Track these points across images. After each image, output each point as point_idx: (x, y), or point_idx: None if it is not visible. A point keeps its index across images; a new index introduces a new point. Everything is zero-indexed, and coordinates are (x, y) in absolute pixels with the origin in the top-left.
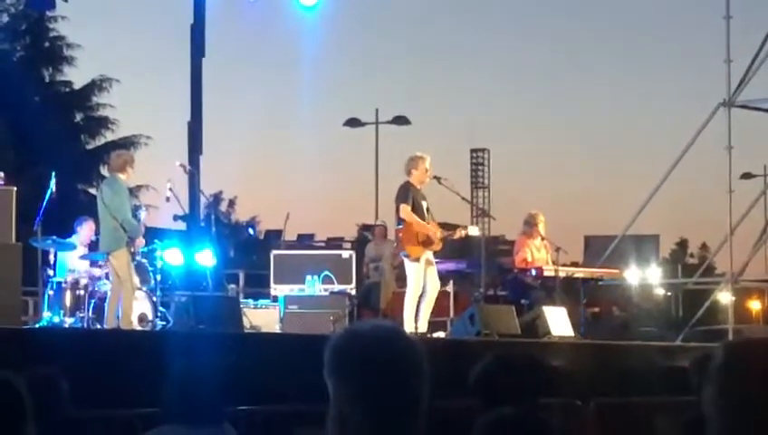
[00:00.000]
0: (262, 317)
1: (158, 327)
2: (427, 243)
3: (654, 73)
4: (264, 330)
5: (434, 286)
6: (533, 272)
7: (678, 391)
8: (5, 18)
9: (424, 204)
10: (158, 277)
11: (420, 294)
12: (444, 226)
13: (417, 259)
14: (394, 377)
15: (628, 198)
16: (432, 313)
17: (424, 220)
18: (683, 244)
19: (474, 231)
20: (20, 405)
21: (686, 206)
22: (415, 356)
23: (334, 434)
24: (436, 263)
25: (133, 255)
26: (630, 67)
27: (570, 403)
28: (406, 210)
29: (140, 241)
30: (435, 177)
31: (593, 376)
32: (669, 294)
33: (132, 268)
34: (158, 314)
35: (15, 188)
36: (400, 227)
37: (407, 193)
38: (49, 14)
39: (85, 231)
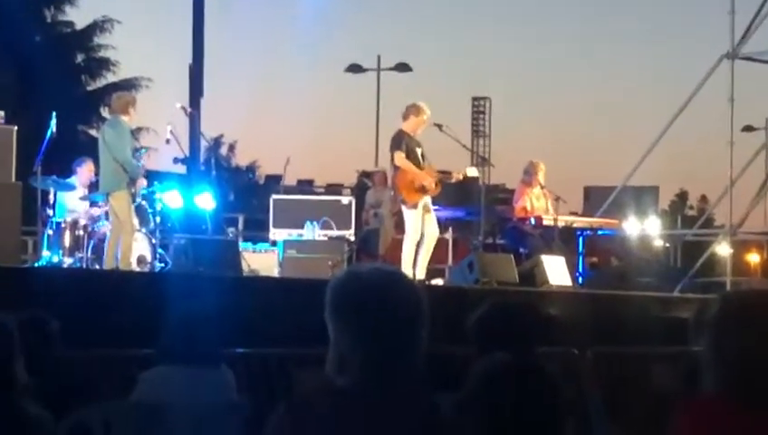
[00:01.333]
0: (260, 261)
1: (157, 269)
2: (423, 189)
3: (657, 24)
4: (263, 274)
5: (432, 233)
6: (533, 221)
7: (676, 341)
8: None
9: (418, 150)
10: (158, 219)
11: (418, 240)
12: (443, 172)
13: (415, 205)
14: (394, 318)
15: (628, 150)
16: (430, 260)
17: (419, 167)
18: (683, 195)
19: (472, 172)
20: (9, 343)
21: (687, 157)
22: (415, 298)
23: (333, 375)
24: (436, 210)
25: (133, 196)
26: (633, 18)
27: (567, 352)
28: (400, 157)
29: (141, 182)
30: (436, 124)
31: (591, 325)
32: (668, 245)
33: (132, 210)
34: (157, 256)
35: (16, 128)
36: (395, 174)
37: (400, 140)
38: None
39: (85, 172)
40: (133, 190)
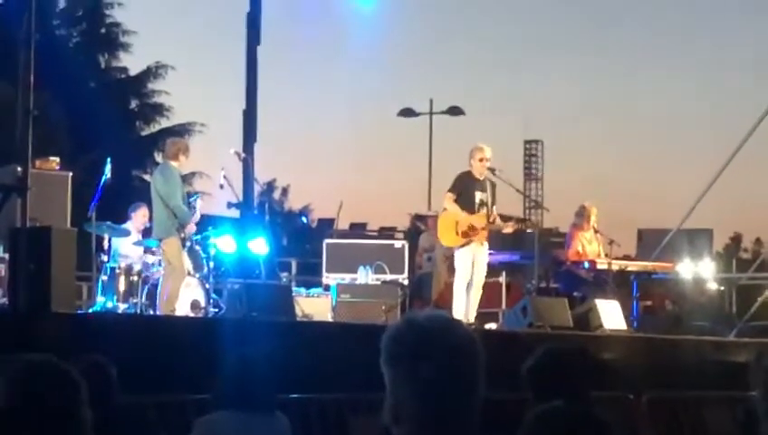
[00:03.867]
0: (314, 306)
1: (211, 314)
2: (467, 233)
3: (712, 65)
4: (317, 318)
5: (479, 277)
6: (586, 264)
7: (731, 386)
8: (62, 4)
9: (477, 194)
10: (211, 264)
11: (468, 281)
12: (505, 218)
13: (462, 247)
14: (451, 366)
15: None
16: (484, 303)
17: (472, 210)
18: (737, 238)
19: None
20: (75, 391)
21: (741, 200)
22: (473, 348)
23: (390, 422)
24: (489, 254)
25: (183, 241)
26: (687, 59)
27: (622, 397)
28: (447, 198)
29: (191, 227)
30: (489, 168)
31: (645, 370)
32: (723, 288)
33: (184, 254)
34: (211, 301)
35: (71, 174)
36: (440, 215)
37: (458, 182)
38: (105, 0)
39: (139, 217)
40: (183, 235)
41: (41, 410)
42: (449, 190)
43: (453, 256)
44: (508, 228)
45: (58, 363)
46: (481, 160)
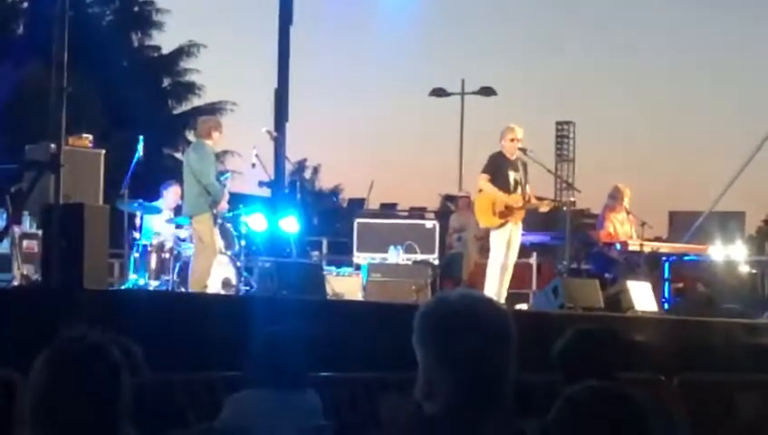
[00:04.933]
0: (344, 285)
1: (242, 292)
2: (504, 213)
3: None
4: (347, 297)
5: (512, 258)
6: (618, 246)
7: (763, 368)
8: None
9: (511, 174)
10: (243, 243)
11: (503, 263)
12: (540, 199)
13: (499, 227)
14: (484, 344)
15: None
16: (515, 284)
17: (508, 191)
18: None
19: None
20: (116, 373)
21: None
22: (504, 324)
23: (422, 399)
24: (522, 235)
25: (215, 218)
26: (722, 38)
27: (653, 378)
28: (482, 179)
29: (223, 205)
30: (520, 148)
31: (677, 352)
32: (755, 271)
33: (216, 232)
34: (242, 279)
35: (104, 151)
36: (476, 196)
37: (491, 162)
38: None
39: (171, 195)
40: (215, 212)
41: (79, 393)
42: (483, 171)
43: (484, 236)
44: (544, 207)
45: (100, 343)
46: (512, 141)
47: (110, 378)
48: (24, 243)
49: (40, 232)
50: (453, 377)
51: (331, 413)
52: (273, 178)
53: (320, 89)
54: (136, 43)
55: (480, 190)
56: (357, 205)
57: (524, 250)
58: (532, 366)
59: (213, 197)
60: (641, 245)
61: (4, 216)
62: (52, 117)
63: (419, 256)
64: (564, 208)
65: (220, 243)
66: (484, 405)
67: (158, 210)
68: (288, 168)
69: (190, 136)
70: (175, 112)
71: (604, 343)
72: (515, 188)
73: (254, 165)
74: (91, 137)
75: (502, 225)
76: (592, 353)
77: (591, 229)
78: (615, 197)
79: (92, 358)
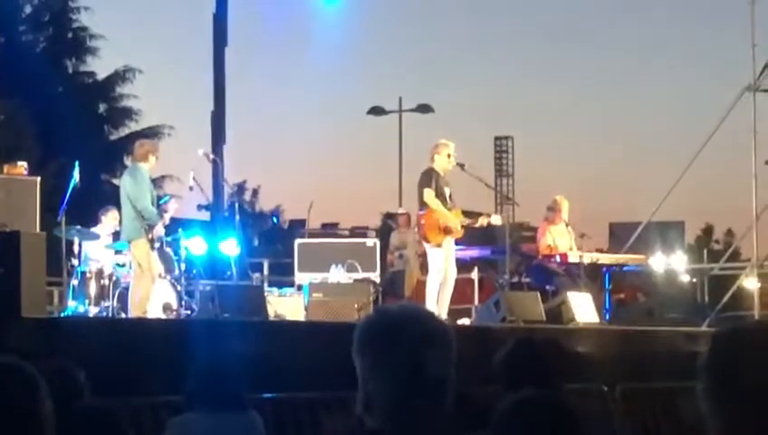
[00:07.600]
0: (286, 305)
1: (183, 316)
2: (448, 230)
3: (679, 58)
4: (289, 318)
5: (453, 273)
6: (558, 258)
7: None
8: (28, 9)
9: (447, 190)
10: (183, 266)
11: (441, 280)
12: (467, 213)
13: (439, 245)
14: (423, 355)
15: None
16: (456, 300)
17: (446, 207)
18: (708, 230)
19: (496, 220)
20: (33, 388)
21: (712, 192)
22: (444, 336)
23: (362, 411)
24: (460, 250)
25: (152, 242)
26: (656, 52)
27: (595, 389)
28: (430, 195)
29: (160, 229)
30: (458, 163)
31: (619, 362)
32: (695, 280)
33: (154, 256)
34: (183, 303)
35: (39, 178)
36: (422, 212)
37: (430, 178)
38: (71, 4)
39: (109, 220)
40: (151, 237)
41: None
42: (427, 187)
43: (425, 253)
44: (482, 222)
45: (14, 362)
46: (449, 156)
47: (24, 394)
48: None
49: None
50: (391, 389)
51: (275, 434)
52: (211, 201)
53: (257, 110)
54: (70, 70)
55: (426, 205)
56: (298, 226)
57: (465, 265)
58: (475, 380)
59: (148, 221)
60: (581, 256)
61: None
62: None
63: (361, 275)
64: (493, 221)
65: (159, 267)
66: (423, 419)
67: (95, 236)
68: (227, 190)
69: (127, 161)
70: (112, 138)
71: (545, 351)
72: (451, 204)
73: (191, 188)
74: (26, 164)
75: (442, 243)
76: (533, 362)
77: (531, 243)
78: (553, 208)
79: (7, 376)
